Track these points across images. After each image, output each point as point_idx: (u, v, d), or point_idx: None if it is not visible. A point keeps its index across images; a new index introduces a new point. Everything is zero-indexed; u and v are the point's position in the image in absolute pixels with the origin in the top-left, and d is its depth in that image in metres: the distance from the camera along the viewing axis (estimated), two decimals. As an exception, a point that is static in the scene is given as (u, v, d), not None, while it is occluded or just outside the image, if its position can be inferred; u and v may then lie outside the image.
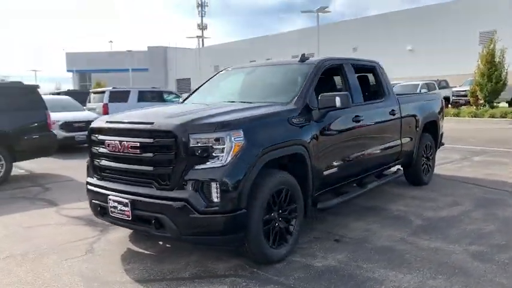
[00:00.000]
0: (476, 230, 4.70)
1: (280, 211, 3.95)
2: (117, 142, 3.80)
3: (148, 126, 3.66)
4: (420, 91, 21.92)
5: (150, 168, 3.62)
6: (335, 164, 4.64)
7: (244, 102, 4.63)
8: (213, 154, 3.47)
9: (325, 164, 4.49)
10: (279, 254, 3.90)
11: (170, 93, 17.50)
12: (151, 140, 3.60)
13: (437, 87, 23.53)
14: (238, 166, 3.48)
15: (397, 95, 6.45)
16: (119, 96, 15.50)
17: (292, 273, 3.71)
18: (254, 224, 3.62)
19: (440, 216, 5.23)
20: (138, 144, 3.66)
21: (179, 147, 3.47)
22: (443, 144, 7.81)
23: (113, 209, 3.83)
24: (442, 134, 7.62)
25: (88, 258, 4.17)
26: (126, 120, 3.95)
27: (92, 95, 16.75)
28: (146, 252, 4.33)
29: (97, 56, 73.43)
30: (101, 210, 4.01)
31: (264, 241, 3.73)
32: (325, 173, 4.49)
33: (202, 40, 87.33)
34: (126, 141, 3.74)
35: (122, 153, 3.80)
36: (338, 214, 5.40)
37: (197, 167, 3.47)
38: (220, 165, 3.45)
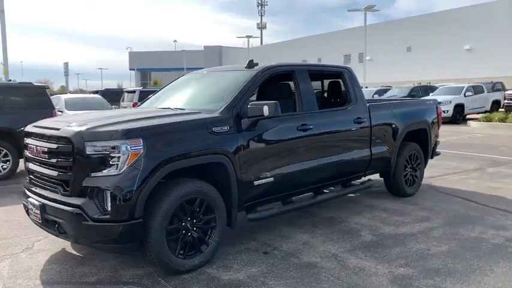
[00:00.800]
0: (421, 251, 4.37)
1: (194, 221, 3.90)
2: (34, 146, 3.95)
3: (54, 132, 3.76)
4: (465, 94, 20.67)
5: (56, 173, 3.72)
6: (271, 174, 4.50)
7: (178, 108, 4.62)
8: (110, 162, 3.50)
9: (257, 174, 4.36)
10: (189, 264, 3.86)
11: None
12: (55, 146, 3.69)
13: (485, 90, 22.02)
14: (134, 175, 3.48)
15: (371, 101, 6.12)
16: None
17: (193, 285, 3.66)
18: (155, 233, 3.61)
19: (396, 233, 4.92)
20: (46, 150, 3.78)
21: (76, 154, 3.53)
22: (437, 154, 7.32)
23: (30, 211, 3.99)
24: (436, 143, 7.15)
25: (19, 256, 4.36)
26: (42, 125, 4.08)
27: (125, 95, 17.44)
28: (76, 253, 4.45)
29: (157, 55, 76.31)
30: (27, 211, 4.18)
31: (167, 251, 3.70)
32: (257, 183, 4.36)
33: (261, 39, 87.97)
34: (39, 146, 3.88)
35: (37, 158, 3.95)
36: (291, 224, 5.25)
37: (93, 174, 3.51)
38: (115, 173, 3.47)
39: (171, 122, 3.93)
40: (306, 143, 4.88)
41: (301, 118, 4.88)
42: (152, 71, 74.51)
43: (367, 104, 5.81)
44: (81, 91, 71.14)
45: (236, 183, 4.16)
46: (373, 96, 23.57)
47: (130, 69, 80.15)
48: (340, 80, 5.85)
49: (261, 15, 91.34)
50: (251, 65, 4.92)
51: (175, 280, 3.74)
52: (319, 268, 3.97)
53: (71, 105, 13.89)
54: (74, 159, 3.55)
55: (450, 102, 20.08)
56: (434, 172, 8.35)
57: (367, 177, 6.12)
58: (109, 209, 3.45)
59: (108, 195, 3.43)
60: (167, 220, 3.67)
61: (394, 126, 6.14)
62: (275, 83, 5.61)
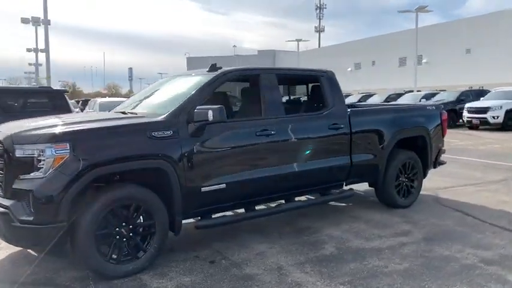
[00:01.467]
0: (376, 268, 4.05)
1: (131, 226, 3.87)
2: None
3: None
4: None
5: None
6: (223, 181, 4.37)
7: (133, 113, 4.63)
8: (38, 166, 3.55)
9: (205, 180, 4.26)
10: (122, 270, 3.83)
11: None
12: None
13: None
14: (58, 179, 3.51)
15: (354, 106, 5.79)
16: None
17: (118, 291, 3.63)
18: (82, 237, 3.61)
19: (363, 247, 4.60)
20: None
21: (7, 157, 3.62)
22: (442, 163, 6.80)
23: None
24: (440, 151, 6.65)
25: (-19, 253, 4.55)
26: (-9, 129, 4.23)
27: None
28: (33, 253, 4.55)
29: (213, 60, 77.41)
30: None
31: (97, 255, 3.70)
32: (205, 189, 4.25)
33: (319, 42, 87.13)
34: None
35: None
36: (258, 232, 5.09)
37: (22, 177, 3.58)
38: (41, 176, 3.52)
39: (102, 126, 3.93)
40: (267, 149, 4.70)
41: (262, 123, 4.71)
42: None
43: (348, 110, 5.51)
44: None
45: (179, 189, 4.07)
46: (420, 101, 22.50)
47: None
48: (317, 85, 5.59)
49: (319, 19, 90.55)
50: (212, 69, 4.83)
51: (104, 285, 3.73)
52: (254, 281, 3.79)
53: (104, 108, 14.45)
54: (5, 162, 3.65)
55: (501, 107, 18.68)
56: (448, 182, 7.79)
57: (348, 187, 5.79)
58: (33, 211, 3.50)
59: (32, 197, 3.48)
60: (96, 225, 3.66)
61: (381, 133, 5.77)
62: (245, 87, 5.48)
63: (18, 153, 3.58)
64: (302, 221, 5.55)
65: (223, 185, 4.37)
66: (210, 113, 4.09)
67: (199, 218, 4.49)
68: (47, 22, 28.82)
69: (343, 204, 6.43)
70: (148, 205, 3.93)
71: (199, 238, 4.87)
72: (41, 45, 31.50)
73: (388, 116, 5.97)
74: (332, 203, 6.23)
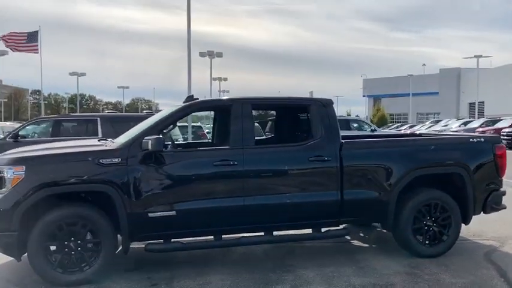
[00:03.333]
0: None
1: (77, 242, 4.39)
2: None
3: None
4: None
5: None
6: (173, 208, 4.54)
7: (111, 141, 5.16)
8: (4, 184, 4.37)
9: (152, 206, 4.50)
10: (66, 279, 4.35)
11: (358, 121, 17.24)
12: None
13: None
14: (12, 195, 4.25)
15: (353, 137, 5.22)
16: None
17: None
18: (31, 246, 4.27)
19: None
20: None
21: None
22: (499, 209, 5.50)
23: None
24: (494, 192, 5.42)
25: None
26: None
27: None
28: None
29: (389, 81, 75.31)
30: None
31: (44, 263, 4.29)
32: (153, 215, 4.50)
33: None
34: None
35: None
36: (230, 263, 5.04)
37: None
38: (3, 193, 4.32)
39: (55, 153, 4.57)
40: (227, 179, 4.69)
41: (222, 153, 4.73)
42: (383, 97, 73.89)
43: (341, 141, 5.03)
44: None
45: (125, 213, 4.43)
46: None
47: (363, 96, 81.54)
48: (305, 114, 5.26)
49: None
50: (187, 100, 5.07)
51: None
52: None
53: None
54: None
55: None
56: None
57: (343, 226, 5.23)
58: None
59: None
60: (43, 237, 4.28)
61: (387, 168, 5.07)
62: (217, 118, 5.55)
63: (-6, 173, 4.46)
64: (287, 257, 5.24)
65: (173, 212, 4.55)
66: (150, 142, 4.37)
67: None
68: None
69: (366, 245, 5.81)
70: (94, 225, 4.39)
71: (180, 260, 5.07)
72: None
73: (399, 149, 5.21)
74: (356, 243, 5.72)
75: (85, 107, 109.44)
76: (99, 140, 5.24)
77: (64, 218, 4.34)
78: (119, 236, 4.55)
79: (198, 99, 5.09)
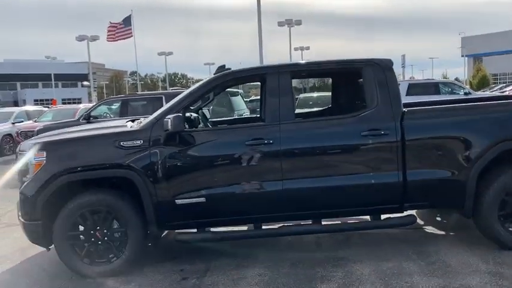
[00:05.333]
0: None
1: (103, 231, 4.08)
2: None
3: None
4: None
5: None
6: (202, 194, 4.03)
7: (140, 119, 4.74)
8: (29, 170, 4.17)
9: (179, 192, 4.03)
10: (94, 271, 4.08)
11: (450, 84, 15.33)
12: None
13: None
14: (35, 183, 4.02)
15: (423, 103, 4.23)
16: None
17: (74, 290, 3.91)
18: (56, 236, 4.04)
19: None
20: None
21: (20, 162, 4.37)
22: None
23: None
24: None
25: None
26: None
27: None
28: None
29: (492, 37, 67.85)
30: None
31: (70, 254, 4.06)
32: (180, 202, 4.03)
33: None
34: None
35: None
36: (270, 255, 4.44)
37: (24, 179, 4.27)
38: (27, 180, 4.13)
39: (76, 137, 4.23)
40: (261, 161, 4.04)
41: (255, 131, 4.09)
42: (484, 56, 66.85)
43: (403, 110, 4.10)
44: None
45: (150, 200, 4.02)
46: None
47: (462, 56, 74.60)
48: (357, 80, 4.36)
49: None
50: (218, 71, 4.45)
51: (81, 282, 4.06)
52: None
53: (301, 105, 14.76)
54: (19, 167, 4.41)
55: None
56: None
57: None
58: (21, 210, 4.14)
59: (19, 196, 4.13)
60: (67, 226, 4.03)
61: (464, 141, 4.05)
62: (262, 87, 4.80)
63: (20, 159, 4.28)
64: (341, 247, 4.50)
65: (202, 199, 4.04)
66: (169, 122, 3.86)
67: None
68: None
69: (441, 233, 4.86)
70: (118, 213, 4.04)
71: (220, 250, 4.59)
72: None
73: (480, 117, 4.14)
74: (430, 229, 4.83)
75: (178, 85, 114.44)
76: (132, 121, 4.85)
77: (87, 206, 4.03)
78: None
79: (230, 69, 4.45)
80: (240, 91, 13.21)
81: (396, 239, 4.65)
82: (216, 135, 4.18)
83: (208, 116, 5.98)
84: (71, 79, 74.97)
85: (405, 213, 4.31)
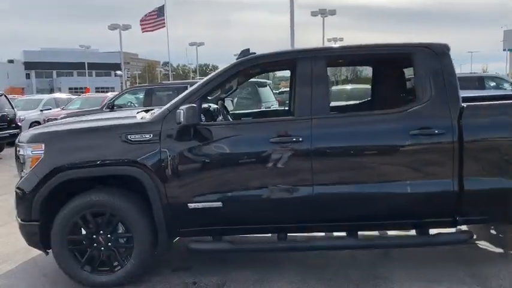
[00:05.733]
0: None
1: (106, 236, 3.59)
2: None
3: None
4: None
5: None
6: (218, 198, 3.47)
7: (154, 110, 4.21)
8: (26, 164, 3.71)
9: (192, 195, 3.48)
10: (95, 280, 3.60)
11: (495, 78, 14.18)
12: None
13: None
14: (31, 179, 3.55)
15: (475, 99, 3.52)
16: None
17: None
18: (55, 239, 3.58)
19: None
20: None
21: (18, 156, 3.87)
22: None
23: None
24: None
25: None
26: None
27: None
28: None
29: (538, 30, 64.30)
30: None
31: (70, 260, 3.59)
32: (193, 206, 3.49)
33: None
34: None
35: None
36: (300, 269, 3.85)
37: (22, 174, 3.81)
38: (23, 175, 3.66)
39: (77, 128, 3.72)
40: (288, 161, 3.44)
41: (282, 126, 3.49)
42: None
43: (461, 105, 3.41)
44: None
45: (159, 202, 3.50)
46: None
47: (504, 50, 71.25)
48: (404, 68, 3.68)
49: None
50: (242, 55, 3.85)
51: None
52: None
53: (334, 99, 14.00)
54: (17, 160, 3.93)
55: None
56: None
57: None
58: (17, 208, 3.69)
59: (15, 194, 3.67)
60: (66, 229, 3.55)
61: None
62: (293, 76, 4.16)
63: (18, 152, 3.81)
64: (379, 263, 3.86)
65: (219, 204, 3.48)
66: (181, 113, 3.30)
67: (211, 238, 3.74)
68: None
69: (499, 251, 4.15)
70: (124, 216, 3.53)
71: (240, 261, 4.04)
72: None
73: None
74: (484, 245, 4.14)
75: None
76: (146, 111, 4.32)
77: (88, 207, 3.54)
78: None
79: (254, 54, 3.85)
80: (269, 82, 12.48)
81: (444, 257, 3.97)
82: (235, 130, 3.61)
83: (231, 107, 5.40)
84: (104, 68, 76.03)
85: (459, 228, 3.63)
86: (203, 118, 3.75)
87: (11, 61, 76.49)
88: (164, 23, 33.88)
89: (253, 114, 5.25)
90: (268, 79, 17.11)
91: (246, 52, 3.86)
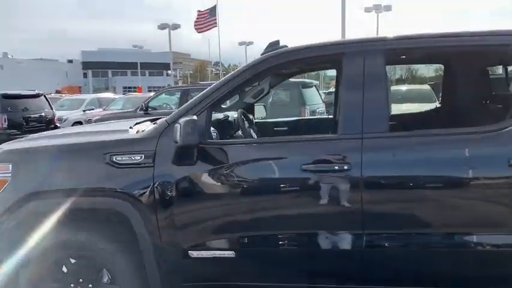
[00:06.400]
0: None
1: (90, 286, 2.75)
2: None
3: None
4: None
5: None
6: (230, 245, 2.54)
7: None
8: None
9: (194, 239, 2.57)
10: None
11: None
12: None
13: None
14: (-5, 208, 2.79)
15: None
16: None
17: None
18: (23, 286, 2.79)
19: None
20: None
21: None
22: None
23: None
24: None
25: None
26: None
27: None
28: None
29: None
30: None
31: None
32: (196, 254, 2.56)
33: None
34: None
35: None
36: None
37: None
38: None
39: (54, 144, 2.88)
40: (329, 198, 2.43)
41: (320, 147, 2.49)
42: None
43: None
44: None
45: (151, 247, 2.61)
46: None
47: None
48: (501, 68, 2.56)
49: None
50: (268, 49, 2.87)
51: None
52: None
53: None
54: None
55: None
56: None
57: None
58: None
59: None
60: (37, 274, 2.74)
61: None
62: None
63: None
64: None
65: (231, 253, 2.54)
66: (178, 129, 2.39)
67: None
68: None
69: None
70: (108, 262, 2.68)
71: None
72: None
73: None
74: None
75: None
76: (152, 121, 3.44)
77: (63, 248, 2.72)
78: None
79: (285, 46, 2.85)
80: (316, 82, 11.27)
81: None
82: (253, 150, 2.64)
83: (263, 114, 4.44)
84: (157, 68, 77.50)
85: None
86: (215, 134, 2.83)
87: (70, 61, 79.69)
88: (216, 22, 33.55)
89: (289, 124, 4.25)
90: (318, 79, 15.95)
91: (274, 45, 2.88)
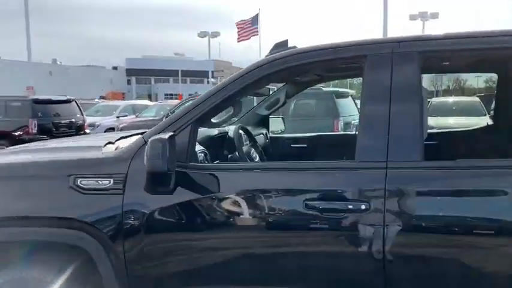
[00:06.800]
0: None
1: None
2: None
3: None
4: None
5: None
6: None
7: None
8: None
9: (173, 286, 2.05)
10: None
11: None
12: None
13: None
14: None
15: None
16: None
17: None
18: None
19: None
20: None
21: None
22: None
23: None
24: None
25: None
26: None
27: None
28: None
29: None
30: None
31: None
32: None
33: None
34: None
35: None
36: None
37: None
38: None
39: (14, 162, 2.41)
40: (341, 245, 1.85)
41: (327, 178, 1.91)
42: None
43: None
44: None
45: (119, 290, 2.11)
46: None
47: None
48: None
49: None
50: (274, 49, 2.32)
51: None
52: None
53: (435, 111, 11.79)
54: None
55: None
56: None
57: None
58: None
59: None
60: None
61: None
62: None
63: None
64: None
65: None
66: (146, 149, 1.88)
67: None
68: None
69: None
70: (68, 308, 2.19)
71: None
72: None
73: None
74: None
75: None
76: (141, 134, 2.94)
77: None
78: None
79: (294, 47, 2.28)
80: (351, 92, 10.43)
81: None
82: (246, 178, 2.07)
83: (282, 126, 3.87)
84: (198, 75, 78.35)
85: None
86: (202, 155, 2.30)
87: (115, 68, 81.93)
88: (257, 30, 33.45)
89: (311, 139, 3.64)
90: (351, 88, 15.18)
91: (281, 46, 2.33)
